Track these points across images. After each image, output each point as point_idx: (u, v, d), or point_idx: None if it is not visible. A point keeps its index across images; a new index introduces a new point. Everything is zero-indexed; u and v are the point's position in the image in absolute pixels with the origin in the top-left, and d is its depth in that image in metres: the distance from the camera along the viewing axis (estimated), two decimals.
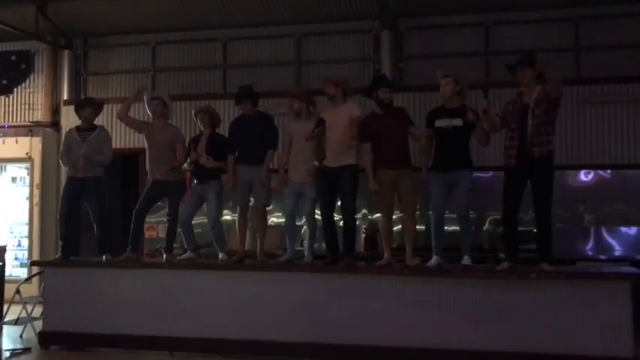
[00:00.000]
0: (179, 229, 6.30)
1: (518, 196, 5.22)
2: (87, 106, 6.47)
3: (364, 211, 7.89)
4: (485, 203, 7.47)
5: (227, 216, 7.11)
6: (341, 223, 5.80)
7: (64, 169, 8.99)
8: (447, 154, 5.37)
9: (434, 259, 5.51)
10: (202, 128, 6.28)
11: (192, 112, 6.45)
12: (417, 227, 5.97)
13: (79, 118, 6.52)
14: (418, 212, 6.02)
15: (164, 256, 6.27)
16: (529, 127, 5.07)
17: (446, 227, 5.60)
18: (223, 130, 6.47)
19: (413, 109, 6.93)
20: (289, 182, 5.90)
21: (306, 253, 6.02)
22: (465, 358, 5.24)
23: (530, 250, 5.74)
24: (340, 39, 8.89)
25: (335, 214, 5.83)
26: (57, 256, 6.54)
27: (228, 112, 7.76)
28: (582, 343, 5.05)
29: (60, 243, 6.44)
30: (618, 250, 7.77)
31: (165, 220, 6.38)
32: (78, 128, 6.44)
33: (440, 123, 5.41)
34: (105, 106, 6.98)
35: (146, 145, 6.35)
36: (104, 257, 6.25)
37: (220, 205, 6.26)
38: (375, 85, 5.77)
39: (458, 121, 5.34)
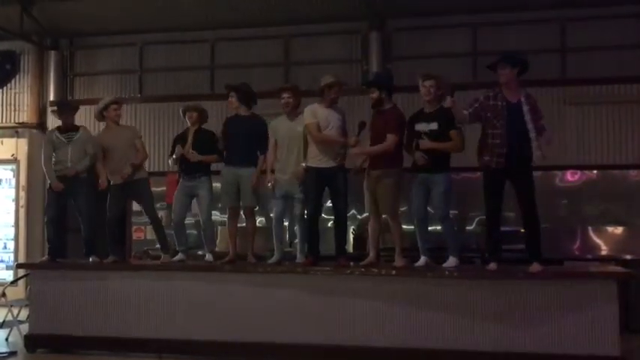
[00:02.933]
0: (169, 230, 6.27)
1: (500, 195, 5.26)
2: (70, 111, 6.43)
3: (353, 211, 7.90)
4: (471, 203, 7.50)
5: (216, 216, 7.08)
6: (329, 224, 5.79)
7: None
8: (430, 156, 5.36)
9: (421, 260, 5.53)
10: (189, 125, 6.25)
11: (180, 109, 6.41)
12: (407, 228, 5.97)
13: (62, 120, 6.43)
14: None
15: (162, 257, 6.24)
16: (529, 130, 5.06)
17: (433, 227, 5.63)
18: (211, 129, 6.45)
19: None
20: (277, 184, 5.89)
21: (298, 254, 6.01)
22: (453, 357, 5.25)
23: (519, 250, 5.77)
24: (328, 40, 8.91)
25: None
26: (44, 258, 6.49)
27: (216, 112, 7.72)
28: (569, 342, 5.08)
29: (47, 245, 6.39)
30: (605, 250, 7.85)
31: (151, 223, 6.33)
32: (59, 129, 6.36)
33: (419, 127, 5.45)
34: (93, 107, 6.93)
35: (106, 152, 6.21)
36: (91, 259, 6.21)
37: (211, 203, 6.24)
38: (365, 85, 5.80)
39: (434, 125, 5.39)
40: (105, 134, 6.35)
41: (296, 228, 6.05)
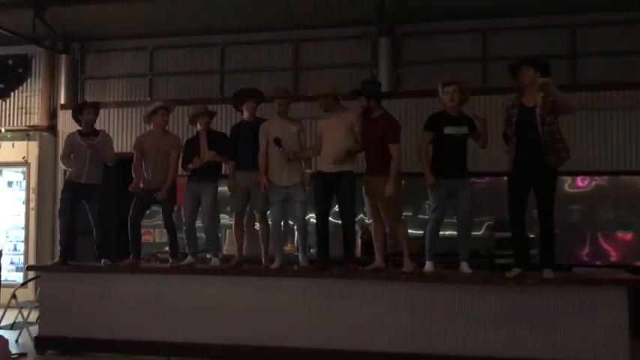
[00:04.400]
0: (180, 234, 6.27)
1: (524, 201, 5.17)
2: (86, 109, 6.45)
3: (361, 215, 7.90)
4: (481, 209, 7.48)
5: (225, 220, 7.10)
6: (332, 228, 5.79)
7: (60, 173, 9.00)
8: (451, 161, 5.37)
9: (428, 265, 5.52)
10: (199, 130, 6.27)
11: (190, 114, 6.42)
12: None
13: (79, 123, 6.48)
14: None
15: (171, 261, 6.25)
16: (542, 134, 4.98)
17: (441, 233, 5.62)
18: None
19: (410, 115, 6.96)
20: (274, 187, 5.84)
21: (300, 257, 6.00)
22: None
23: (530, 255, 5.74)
24: (338, 45, 8.93)
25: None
26: (55, 260, 6.53)
27: (225, 116, 7.77)
28: (579, 348, 5.06)
29: (59, 248, 6.43)
30: (614, 256, 7.80)
31: (166, 228, 6.33)
32: (80, 133, 6.42)
33: (449, 130, 5.37)
34: (104, 110, 6.97)
35: (144, 155, 6.22)
36: (102, 262, 6.25)
37: (216, 208, 6.24)
38: (355, 92, 5.72)
39: (464, 129, 5.38)
40: (146, 137, 6.34)
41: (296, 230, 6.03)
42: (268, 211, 6.03)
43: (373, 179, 5.54)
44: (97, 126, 6.60)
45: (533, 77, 5.07)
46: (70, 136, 6.52)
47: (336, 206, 5.81)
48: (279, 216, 5.93)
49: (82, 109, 6.48)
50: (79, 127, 6.51)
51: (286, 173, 5.79)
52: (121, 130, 7.32)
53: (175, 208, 6.38)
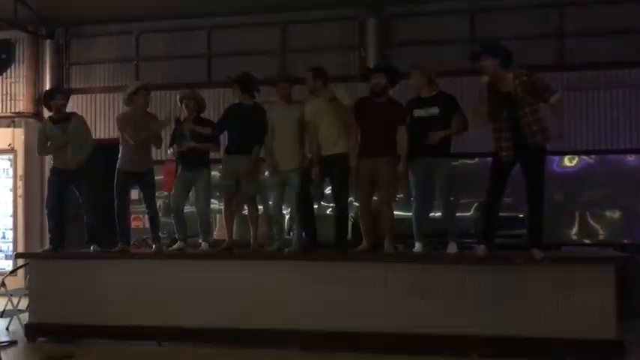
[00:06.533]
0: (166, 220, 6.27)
1: (504, 184, 5.23)
2: (58, 95, 6.35)
3: (350, 198, 7.90)
4: (470, 190, 7.50)
5: (214, 205, 7.08)
6: (328, 211, 5.81)
7: (48, 161, 8.90)
8: (426, 142, 5.37)
9: (417, 246, 5.54)
10: (187, 114, 6.23)
11: (177, 97, 6.39)
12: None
13: (50, 109, 6.37)
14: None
15: (153, 246, 6.25)
16: (523, 116, 4.98)
17: (432, 214, 5.64)
18: (208, 117, 6.45)
19: (398, 97, 6.91)
20: (275, 170, 5.88)
21: (294, 241, 6.00)
22: (451, 343, 5.28)
23: (516, 235, 5.78)
24: (326, 27, 8.85)
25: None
26: (46, 248, 6.49)
27: (213, 100, 7.71)
28: (567, 326, 5.11)
29: (49, 235, 6.39)
30: (602, 235, 7.87)
31: (148, 214, 6.32)
32: (52, 120, 6.30)
33: (418, 113, 5.45)
34: (90, 96, 6.90)
35: (128, 139, 6.10)
36: (92, 248, 6.22)
37: (209, 194, 6.23)
38: (371, 70, 5.79)
39: (434, 110, 5.40)
40: (127, 116, 6.19)
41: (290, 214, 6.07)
42: (256, 195, 6.03)
43: (375, 160, 5.51)
44: (84, 110, 6.53)
45: (492, 67, 5.04)
46: (43, 125, 6.43)
47: (328, 189, 5.82)
48: (279, 198, 5.93)
49: (53, 96, 6.37)
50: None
51: (287, 158, 5.78)
52: (108, 115, 7.24)
53: (165, 193, 6.36)
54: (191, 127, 6.07)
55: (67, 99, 6.47)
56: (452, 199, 5.56)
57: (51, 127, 6.24)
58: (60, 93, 6.44)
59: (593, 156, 7.95)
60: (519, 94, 4.99)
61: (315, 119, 5.71)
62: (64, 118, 6.27)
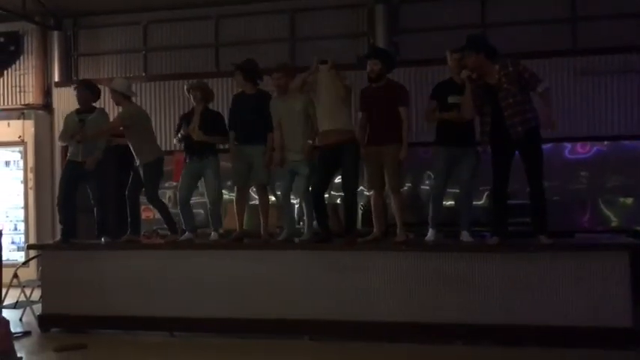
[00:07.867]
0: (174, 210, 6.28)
1: (507, 170, 5.21)
2: (82, 88, 6.41)
3: (361, 187, 7.88)
4: (481, 178, 7.44)
5: (225, 195, 7.07)
6: (338, 200, 5.78)
7: (58, 152, 8.96)
8: (454, 129, 5.33)
9: (430, 233, 5.51)
10: (195, 104, 6.21)
11: (185, 87, 6.38)
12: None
13: (78, 98, 6.43)
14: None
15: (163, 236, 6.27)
16: (508, 106, 5.00)
17: (445, 202, 5.62)
18: (216, 107, 6.42)
19: (408, 84, 6.84)
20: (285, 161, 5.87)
21: (305, 230, 5.99)
22: (464, 331, 5.26)
23: (526, 223, 5.72)
24: (334, 14, 8.77)
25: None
26: (57, 239, 6.51)
27: (221, 90, 7.68)
28: (581, 314, 5.07)
29: (60, 227, 6.42)
30: (615, 222, 7.79)
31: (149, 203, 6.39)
32: (77, 111, 6.39)
33: (453, 99, 5.37)
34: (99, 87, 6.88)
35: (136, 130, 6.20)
36: (103, 239, 6.23)
37: (219, 182, 6.22)
38: (365, 57, 5.74)
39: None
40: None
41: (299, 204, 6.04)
42: (267, 184, 6.01)
43: (381, 147, 5.48)
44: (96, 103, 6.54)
45: (476, 61, 5.07)
46: (69, 114, 6.53)
47: (337, 178, 5.78)
48: (288, 187, 5.91)
49: (80, 86, 6.48)
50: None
51: (296, 148, 5.76)
52: (116, 106, 7.22)
53: (174, 183, 6.37)
54: (201, 137, 6.01)
55: (95, 98, 6.47)
56: (470, 190, 5.52)
57: (73, 116, 6.35)
58: (78, 85, 6.54)
59: (605, 142, 7.85)
60: (504, 85, 5.01)
61: (319, 97, 5.65)
62: (86, 111, 6.34)
